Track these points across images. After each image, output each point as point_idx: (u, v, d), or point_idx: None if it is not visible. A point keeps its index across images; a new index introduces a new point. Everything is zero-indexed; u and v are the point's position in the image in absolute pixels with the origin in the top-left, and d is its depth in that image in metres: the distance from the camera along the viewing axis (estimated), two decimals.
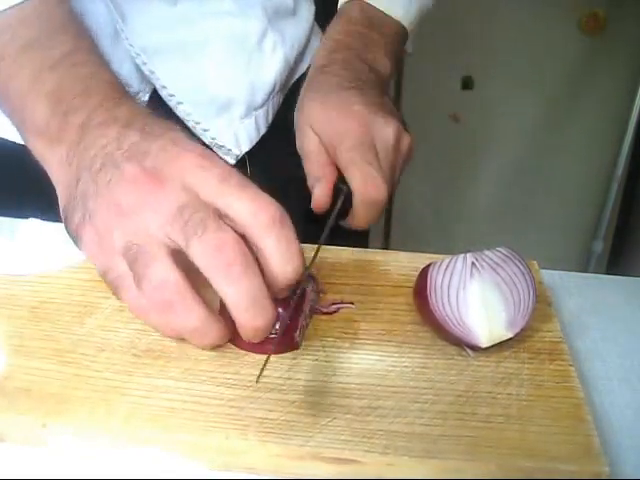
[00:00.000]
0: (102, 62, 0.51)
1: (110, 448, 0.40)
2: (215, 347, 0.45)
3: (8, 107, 0.49)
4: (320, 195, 0.57)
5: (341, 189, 0.57)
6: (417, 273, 0.49)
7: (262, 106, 0.70)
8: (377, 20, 0.68)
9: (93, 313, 0.48)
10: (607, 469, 0.38)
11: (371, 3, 0.68)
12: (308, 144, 0.59)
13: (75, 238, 0.45)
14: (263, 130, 0.71)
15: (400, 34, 0.70)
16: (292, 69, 0.73)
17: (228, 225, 0.41)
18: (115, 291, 0.43)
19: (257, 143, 0.70)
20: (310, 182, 0.59)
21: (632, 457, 0.42)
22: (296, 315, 0.46)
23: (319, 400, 0.42)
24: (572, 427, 0.41)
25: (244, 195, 0.41)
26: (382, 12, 0.68)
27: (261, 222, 0.41)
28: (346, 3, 0.70)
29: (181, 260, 0.41)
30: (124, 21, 0.60)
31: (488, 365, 0.46)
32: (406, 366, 0.45)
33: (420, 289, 0.48)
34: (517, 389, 0.44)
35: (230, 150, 0.68)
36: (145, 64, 0.62)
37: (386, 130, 0.57)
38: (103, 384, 0.42)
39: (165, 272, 0.40)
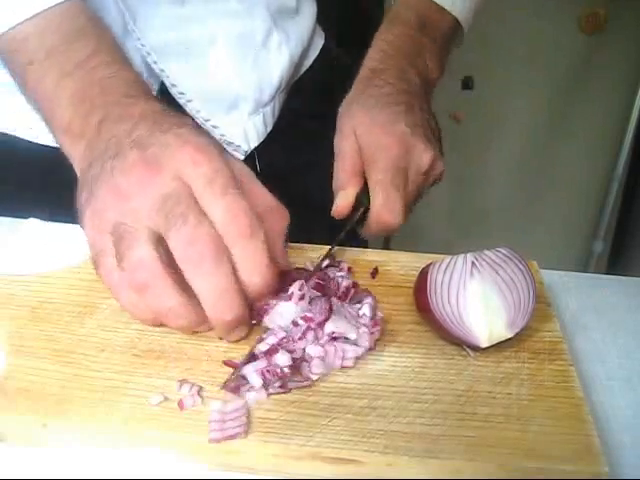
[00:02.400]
0: (123, 61, 0.52)
1: (110, 448, 0.40)
2: (193, 332, 0.46)
3: (38, 107, 0.52)
4: (341, 205, 0.60)
5: (362, 203, 0.59)
6: (417, 273, 0.49)
7: (269, 103, 0.70)
8: (430, 23, 0.69)
9: (93, 313, 0.49)
10: (607, 469, 0.38)
11: None
12: (346, 146, 0.61)
13: (80, 213, 0.47)
14: (270, 126, 0.72)
15: (452, 34, 0.71)
16: (296, 67, 0.73)
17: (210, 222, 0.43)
18: (94, 265, 0.46)
19: (264, 138, 0.71)
20: (335, 186, 0.61)
21: (632, 457, 0.42)
22: None
23: (319, 400, 0.42)
24: (572, 427, 0.41)
25: (222, 202, 0.43)
26: (439, 9, 0.69)
27: (231, 232, 0.43)
28: (401, 5, 0.70)
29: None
30: (135, 22, 0.60)
31: (488, 365, 0.46)
32: (406, 366, 0.45)
33: (420, 289, 0.48)
34: (517, 389, 0.44)
35: (239, 146, 0.69)
36: (155, 63, 0.62)
37: (423, 157, 0.60)
38: (103, 384, 0.42)
39: (143, 253, 0.42)
